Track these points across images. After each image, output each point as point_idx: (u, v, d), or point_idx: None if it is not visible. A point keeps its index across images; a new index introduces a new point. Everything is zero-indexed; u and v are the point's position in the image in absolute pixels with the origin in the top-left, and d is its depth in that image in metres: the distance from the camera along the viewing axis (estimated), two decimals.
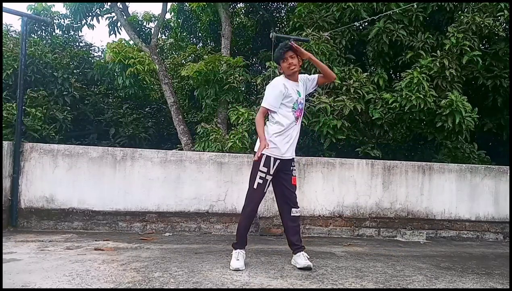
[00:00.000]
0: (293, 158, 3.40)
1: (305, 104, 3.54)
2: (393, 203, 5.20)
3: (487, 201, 5.38)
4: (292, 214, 3.37)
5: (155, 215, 4.82)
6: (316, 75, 3.55)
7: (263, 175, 3.25)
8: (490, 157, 6.60)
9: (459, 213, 5.32)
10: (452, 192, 5.32)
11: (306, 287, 2.80)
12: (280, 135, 3.28)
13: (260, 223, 4.91)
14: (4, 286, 2.53)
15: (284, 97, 3.27)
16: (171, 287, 2.66)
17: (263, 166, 3.23)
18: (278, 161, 3.26)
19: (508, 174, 5.43)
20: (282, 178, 3.35)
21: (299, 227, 3.49)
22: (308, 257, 3.34)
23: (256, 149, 3.31)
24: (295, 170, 3.43)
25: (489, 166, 5.63)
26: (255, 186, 3.27)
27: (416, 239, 5.05)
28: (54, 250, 3.60)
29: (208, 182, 4.90)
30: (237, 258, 3.24)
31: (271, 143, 3.24)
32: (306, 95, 3.55)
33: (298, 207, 3.43)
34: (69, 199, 4.68)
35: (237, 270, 3.13)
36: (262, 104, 3.33)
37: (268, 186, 3.31)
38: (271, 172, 3.26)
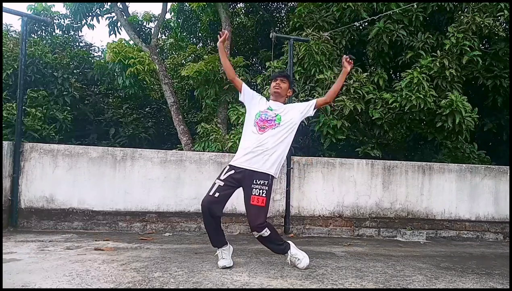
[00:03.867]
0: (259, 173, 3.12)
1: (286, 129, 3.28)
2: (393, 203, 5.20)
3: (487, 201, 5.38)
4: (256, 237, 3.17)
5: (155, 215, 4.82)
6: (314, 101, 3.45)
7: (215, 179, 3.21)
8: (490, 157, 6.61)
9: (459, 213, 5.32)
10: (452, 192, 5.32)
11: (306, 287, 2.80)
12: (242, 142, 3.29)
13: None
14: (4, 286, 2.52)
15: (252, 99, 3.37)
16: (171, 287, 2.66)
17: (221, 170, 3.25)
18: (232, 170, 3.15)
19: (508, 174, 5.43)
20: (244, 192, 3.18)
21: (273, 241, 3.23)
22: (298, 259, 3.27)
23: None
24: (258, 189, 3.09)
25: (489, 166, 5.63)
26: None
27: (416, 239, 5.06)
28: (54, 250, 3.60)
29: (208, 182, 4.86)
30: (222, 256, 3.23)
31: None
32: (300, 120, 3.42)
33: (258, 231, 3.09)
34: (69, 199, 4.68)
35: (224, 267, 3.15)
36: None
37: (216, 191, 3.10)
38: (221, 177, 3.16)
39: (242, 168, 3.15)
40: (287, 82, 3.40)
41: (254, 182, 3.11)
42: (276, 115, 3.28)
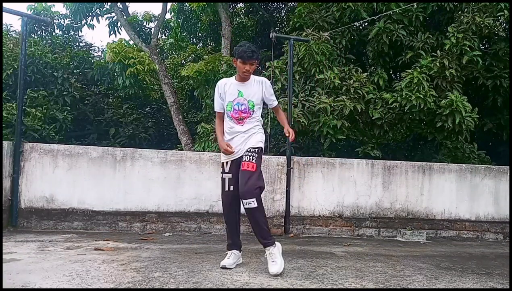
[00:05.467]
0: (246, 149, 3.20)
1: (260, 107, 3.35)
2: (393, 203, 5.20)
3: (487, 201, 5.38)
4: (245, 206, 3.07)
5: (155, 215, 4.82)
6: (275, 104, 3.46)
7: (221, 175, 3.28)
8: (490, 157, 6.61)
9: (459, 213, 5.32)
10: (452, 192, 5.32)
11: (306, 287, 2.80)
12: (228, 140, 3.27)
13: None
14: (4, 286, 2.53)
15: (221, 98, 3.32)
16: (171, 287, 2.66)
17: (221, 167, 3.31)
18: (229, 162, 3.26)
19: (508, 174, 5.43)
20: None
21: (259, 221, 3.12)
22: (273, 260, 3.07)
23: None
24: (248, 155, 3.14)
25: (489, 166, 5.63)
26: (220, 186, 3.30)
27: (416, 239, 5.06)
28: (54, 250, 3.60)
29: (208, 181, 4.90)
30: (228, 256, 3.26)
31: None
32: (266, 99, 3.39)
33: (251, 198, 3.01)
34: (69, 199, 4.68)
35: (223, 267, 3.14)
36: None
37: (230, 185, 3.22)
38: (226, 170, 3.25)
39: (235, 159, 3.24)
40: (255, 62, 3.24)
41: (245, 152, 3.19)
42: (249, 102, 3.26)
